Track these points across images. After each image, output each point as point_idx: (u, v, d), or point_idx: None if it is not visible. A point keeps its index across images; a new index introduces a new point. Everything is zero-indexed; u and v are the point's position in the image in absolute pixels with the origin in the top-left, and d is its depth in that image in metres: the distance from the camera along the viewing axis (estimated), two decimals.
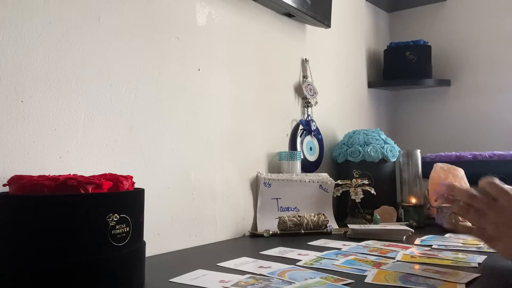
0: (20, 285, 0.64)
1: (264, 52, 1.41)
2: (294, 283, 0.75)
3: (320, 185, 1.40)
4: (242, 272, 0.82)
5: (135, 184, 0.79)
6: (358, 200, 1.40)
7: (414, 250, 1.02)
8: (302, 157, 1.48)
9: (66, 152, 0.87)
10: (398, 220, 1.42)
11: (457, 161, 1.57)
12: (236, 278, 0.78)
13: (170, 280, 0.78)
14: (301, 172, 1.43)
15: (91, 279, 0.65)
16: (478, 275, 0.79)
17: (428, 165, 1.53)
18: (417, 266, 0.86)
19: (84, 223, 0.65)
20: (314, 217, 1.26)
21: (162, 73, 1.07)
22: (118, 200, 0.70)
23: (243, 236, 1.27)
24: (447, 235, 1.22)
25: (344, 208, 1.50)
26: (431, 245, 1.07)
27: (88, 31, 0.92)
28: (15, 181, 0.69)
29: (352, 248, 1.04)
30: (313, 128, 1.57)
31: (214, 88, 1.21)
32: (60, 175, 0.72)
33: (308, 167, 1.53)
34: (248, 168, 1.32)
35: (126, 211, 0.70)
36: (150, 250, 0.94)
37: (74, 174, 0.74)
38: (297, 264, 0.89)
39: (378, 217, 1.30)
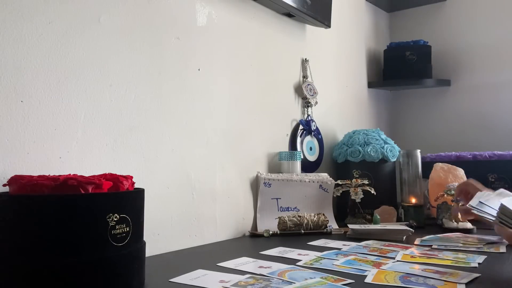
0: (20, 284, 0.64)
1: (264, 52, 1.41)
2: (294, 283, 0.75)
3: (320, 185, 1.40)
4: (242, 272, 0.82)
5: (135, 184, 0.79)
6: (358, 200, 1.40)
7: (414, 250, 1.02)
8: (302, 157, 1.48)
9: (66, 152, 0.87)
10: (398, 220, 1.42)
11: (457, 161, 1.58)
12: (236, 278, 0.78)
13: (170, 280, 0.78)
14: (301, 172, 1.43)
15: (91, 279, 0.65)
16: (478, 275, 0.79)
17: (428, 165, 1.53)
18: (417, 266, 0.86)
19: (84, 223, 0.65)
20: (314, 217, 1.26)
21: (162, 73, 1.07)
22: (118, 200, 0.70)
23: (243, 236, 1.27)
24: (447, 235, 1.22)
25: (344, 208, 1.50)
26: (431, 245, 1.07)
27: (88, 31, 0.92)
28: (15, 181, 0.69)
29: (352, 248, 1.04)
30: (313, 128, 1.57)
31: (214, 88, 1.21)
32: (60, 175, 0.72)
33: (308, 167, 1.53)
34: (248, 168, 1.32)
35: (126, 211, 0.70)
36: (150, 250, 0.94)
37: (74, 174, 0.74)
38: (297, 264, 0.89)
39: (378, 217, 1.30)
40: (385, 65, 2.09)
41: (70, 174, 0.74)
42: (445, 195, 1.34)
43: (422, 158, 1.52)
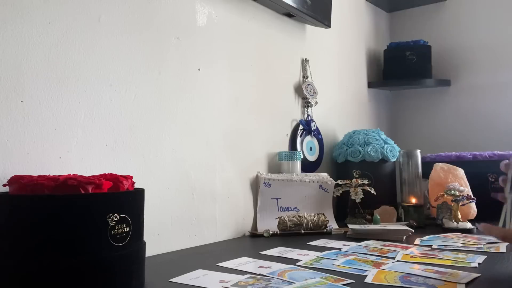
0: (20, 284, 0.64)
1: (264, 52, 1.41)
2: (294, 283, 0.75)
3: (320, 185, 1.40)
4: (242, 272, 0.82)
5: (135, 184, 0.79)
6: (358, 200, 1.40)
7: (414, 250, 1.02)
8: (302, 157, 1.48)
9: (66, 152, 0.87)
10: (398, 220, 1.42)
11: (457, 161, 1.57)
12: (236, 278, 0.78)
13: (170, 280, 0.78)
14: (301, 172, 1.43)
15: (91, 279, 0.65)
16: (478, 275, 0.79)
17: (428, 165, 1.53)
18: (417, 266, 0.86)
19: (84, 223, 0.65)
20: (314, 217, 1.26)
21: (162, 73, 1.07)
22: (118, 200, 0.70)
23: (243, 236, 1.27)
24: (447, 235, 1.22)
25: (344, 208, 1.50)
26: (431, 245, 1.07)
27: (88, 31, 0.92)
28: (15, 181, 0.69)
29: (352, 248, 1.04)
30: (313, 128, 1.57)
31: (214, 88, 1.21)
32: (60, 175, 0.72)
33: (308, 167, 1.53)
34: (248, 168, 1.32)
35: (126, 211, 0.70)
36: (150, 250, 0.93)
37: (74, 174, 0.74)
38: (297, 264, 0.89)
39: (378, 217, 1.30)
40: (385, 65, 2.09)
41: (70, 174, 0.74)
42: (445, 195, 1.34)
43: (422, 158, 1.52)
